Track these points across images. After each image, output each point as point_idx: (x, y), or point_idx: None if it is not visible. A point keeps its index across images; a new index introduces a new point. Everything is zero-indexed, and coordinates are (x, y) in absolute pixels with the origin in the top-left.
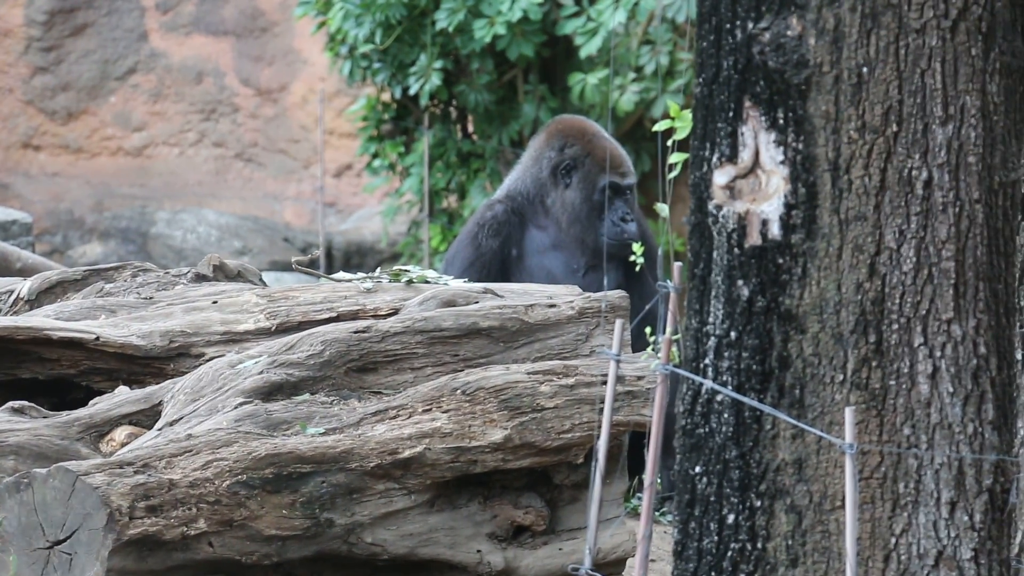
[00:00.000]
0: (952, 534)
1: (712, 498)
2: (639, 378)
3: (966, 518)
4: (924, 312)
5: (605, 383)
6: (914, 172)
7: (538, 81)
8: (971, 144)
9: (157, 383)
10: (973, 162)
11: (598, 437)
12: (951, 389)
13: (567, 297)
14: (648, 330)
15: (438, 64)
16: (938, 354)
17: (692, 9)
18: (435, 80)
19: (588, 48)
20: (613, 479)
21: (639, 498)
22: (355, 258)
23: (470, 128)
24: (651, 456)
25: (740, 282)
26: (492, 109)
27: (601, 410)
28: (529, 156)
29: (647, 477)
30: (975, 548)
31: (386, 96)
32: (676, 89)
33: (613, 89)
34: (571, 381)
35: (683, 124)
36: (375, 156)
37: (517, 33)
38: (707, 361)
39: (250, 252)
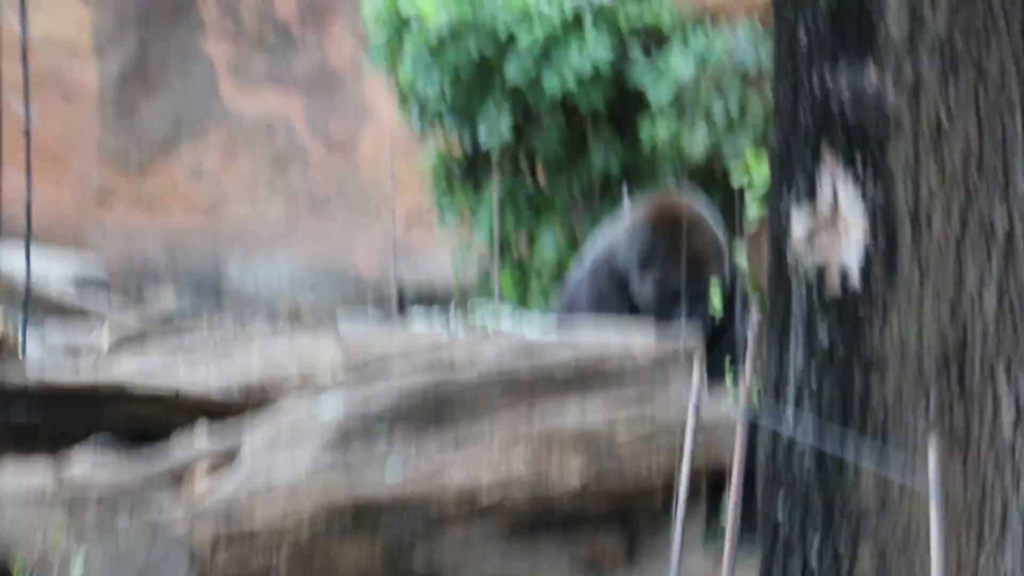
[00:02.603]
0: None
1: (795, 541)
2: (717, 423)
3: None
4: (1006, 355)
5: (682, 428)
6: (995, 219)
7: (608, 131)
8: None
9: (234, 431)
10: None
11: (679, 482)
12: None
13: (642, 344)
14: (728, 377)
15: (507, 117)
16: (1022, 398)
17: (762, 57)
18: (504, 132)
19: (658, 98)
20: (693, 520)
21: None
22: (426, 305)
23: (539, 177)
24: (732, 501)
25: (820, 331)
26: (562, 159)
27: (680, 455)
28: (624, 229)
29: (728, 523)
30: None
31: (455, 147)
32: (748, 136)
33: (683, 137)
34: (648, 429)
35: (759, 175)
36: (445, 206)
37: (588, 83)
38: (787, 407)
39: (323, 301)
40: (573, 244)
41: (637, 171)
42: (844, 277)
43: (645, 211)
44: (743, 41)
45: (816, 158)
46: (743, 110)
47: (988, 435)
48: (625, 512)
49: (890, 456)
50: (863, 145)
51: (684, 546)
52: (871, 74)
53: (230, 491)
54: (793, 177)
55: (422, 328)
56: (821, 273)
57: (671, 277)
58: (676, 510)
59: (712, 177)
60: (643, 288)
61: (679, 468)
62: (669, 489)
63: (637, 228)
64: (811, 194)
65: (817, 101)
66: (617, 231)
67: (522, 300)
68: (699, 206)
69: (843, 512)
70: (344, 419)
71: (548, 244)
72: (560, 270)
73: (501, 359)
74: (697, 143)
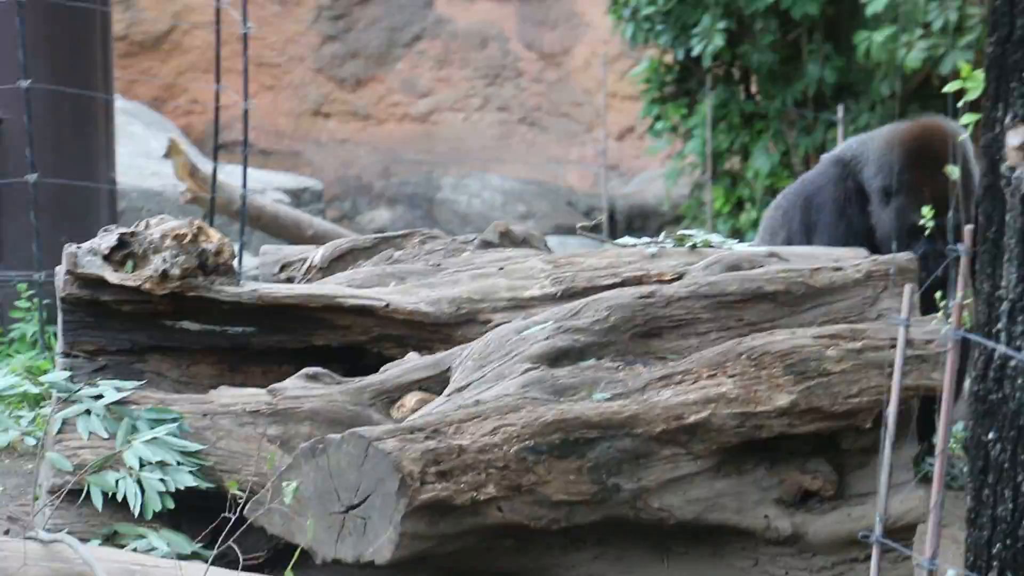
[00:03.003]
0: None
1: (1006, 465)
2: (928, 342)
3: None
4: None
5: (893, 347)
6: None
7: (823, 40)
8: None
9: (445, 349)
10: None
11: (887, 402)
12: None
13: (854, 260)
14: (939, 294)
15: (721, 25)
16: None
17: None
18: (718, 41)
19: (874, 5)
20: (902, 444)
21: (929, 463)
22: (637, 221)
23: (753, 89)
24: (943, 421)
25: None
26: (776, 69)
27: (890, 374)
28: (875, 149)
29: (939, 443)
30: None
31: (669, 58)
32: (965, 45)
33: (900, 47)
34: (858, 345)
35: (974, 84)
36: (658, 119)
37: None
38: (1000, 326)
39: (534, 216)
40: (786, 158)
41: (852, 83)
42: None
43: (902, 134)
44: None
45: None
46: (961, 19)
47: None
48: (834, 435)
49: None
50: None
51: (895, 469)
52: None
53: (440, 409)
54: (1008, 87)
55: (631, 243)
56: None
57: (916, 209)
58: (885, 431)
59: (929, 89)
60: (883, 215)
61: (888, 387)
62: (878, 408)
63: (890, 150)
64: None
65: None
66: (867, 146)
67: (733, 215)
68: (959, 137)
69: None
70: (553, 335)
71: (761, 156)
72: (773, 184)
73: (710, 273)
74: (913, 53)
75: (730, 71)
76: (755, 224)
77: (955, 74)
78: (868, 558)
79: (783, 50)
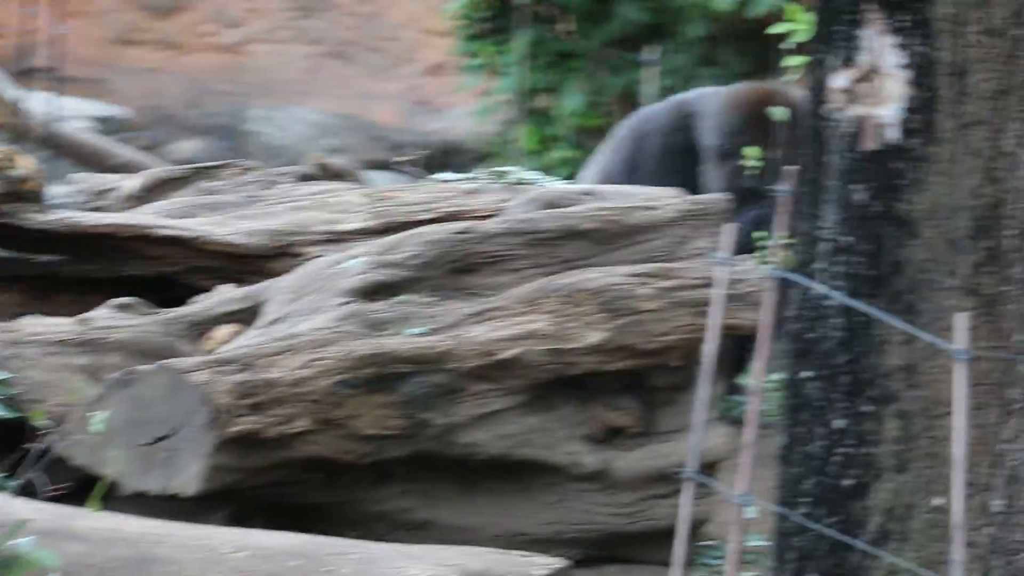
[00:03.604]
0: None
1: (820, 403)
2: (738, 281)
3: None
4: None
5: (705, 286)
6: None
7: None
8: None
9: (259, 282)
10: None
11: (704, 340)
12: None
13: (669, 199)
14: (757, 235)
15: None
16: None
17: None
18: None
19: None
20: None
21: (734, 403)
22: (447, 158)
23: (567, 28)
24: (759, 360)
25: (855, 186)
26: (590, 9)
27: (701, 313)
28: (714, 109)
29: (753, 381)
30: None
31: None
32: None
33: None
34: (670, 284)
35: (801, 27)
36: (470, 55)
37: None
38: (819, 266)
39: (344, 151)
40: (597, 98)
41: (664, 24)
42: (881, 131)
43: (742, 97)
44: None
45: (858, 10)
46: None
47: (1018, 298)
48: (643, 373)
49: (920, 317)
50: None
51: (698, 411)
52: None
53: (252, 341)
54: (834, 29)
55: (449, 178)
56: (858, 126)
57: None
58: (702, 368)
59: (741, 29)
60: (715, 175)
61: (702, 326)
62: (690, 347)
63: (728, 112)
64: (851, 46)
65: None
66: (708, 103)
67: (542, 153)
68: (797, 101)
69: (869, 374)
70: (369, 269)
71: (571, 97)
72: (582, 124)
73: (526, 210)
74: None
75: (545, 10)
76: (564, 163)
77: (767, 16)
78: (671, 495)
79: None
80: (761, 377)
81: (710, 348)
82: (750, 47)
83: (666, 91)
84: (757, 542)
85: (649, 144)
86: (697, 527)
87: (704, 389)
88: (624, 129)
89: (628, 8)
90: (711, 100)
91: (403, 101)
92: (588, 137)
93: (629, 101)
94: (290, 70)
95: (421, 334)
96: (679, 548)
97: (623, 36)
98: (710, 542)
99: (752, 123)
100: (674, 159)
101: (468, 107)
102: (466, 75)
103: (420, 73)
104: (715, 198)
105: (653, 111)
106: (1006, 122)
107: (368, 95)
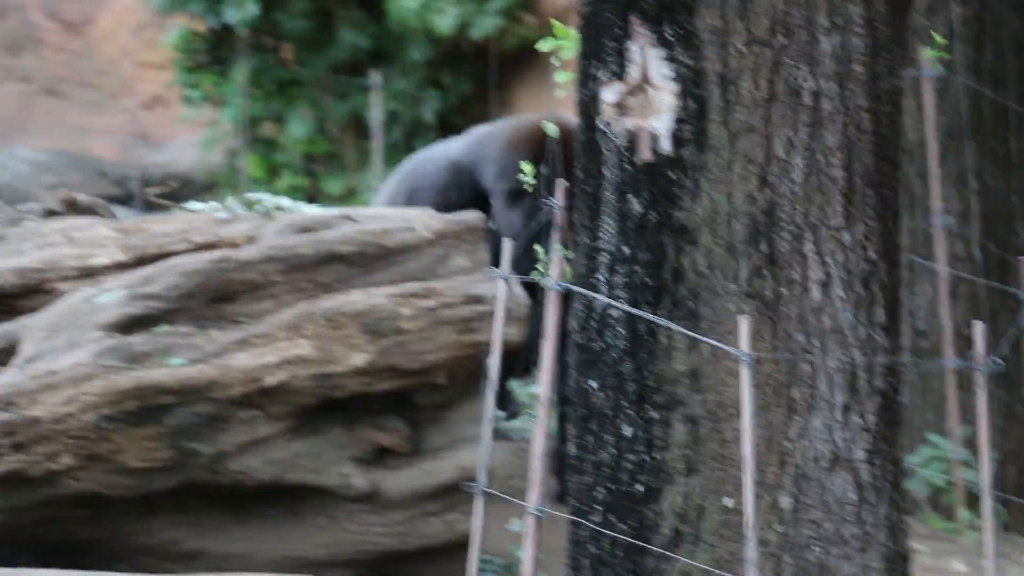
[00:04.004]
0: (846, 436)
1: (608, 412)
2: (512, 299)
3: (859, 420)
4: (815, 220)
5: (466, 304)
6: (802, 82)
7: (356, 6)
8: (857, 53)
9: (10, 320)
10: (860, 71)
11: (466, 357)
12: (843, 295)
13: (425, 220)
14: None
15: None
16: (829, 261)
17: None
18: (252, 9)
19: None
20: (474, 399)
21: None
22: (176, 189)
23: (288, 57)
24: (546, 370)
25: (632, 197)
26: (310, 36)
27: (463, 331)
28: (495, 152)
29: (541, 391)
30: (868, 449)
31: (201, 26)
32: (494, 12)
33: (431, 13)
34: (432, 303)
35: (568, 43)
36: (191, 87)
37: None
38: (600, 276)
39: (65, 187)
40: (322, 124)
41: (386, 49)
42: (655, 143)
43: (521, 135)
44: None
45: (625, 24)
46: None
47: (797, 299)
48: (409, 393)
49: (701, 323)
50: (671, 11)
51: (466, 422)
52: None
53: (10, 380)
54: (602, 45)
55: (201, 208)
56: (632, 139)
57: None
58: (487, 387)
59: (461, 52)
60: (511, 215)
61: (465, 343)
62: (454, 365)
63: (513, 152)
64: (620, 60)
65: None
66: (486, 148)
67: (269, 181)
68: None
69: (655, 380)
70: (126, 303)
71: (297, 124)
72: (309, 150)
73: (282, 236)
74: (445, 19)
75: (264, 39)
76: (292, 190)
77: (487, 38)
78: (441, 512)
79: (317, 17)
80: (551, 388)
81: (494, 362)
82: (472, 69)
83: (392, 114)
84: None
85: (421, 202)
86: (463, 543)
87: (490, 403)
88: (393, 186)
89: (349, 34)
90: (490, 145)
91: (123, 135)
92: (316, 163)
93: (356, 126)
94: (2, 108)
95: (183, 364)
96: (472, 559)
97: (346, 62)
98: (485, 556)
99: (536, 158)
100: (466, 196)
101: (191, 138)
102: (187, 107)
103: (138, 107)
104: (471, 216)
105: (423, 168)
106: (776, 128)
107: (85, 131)
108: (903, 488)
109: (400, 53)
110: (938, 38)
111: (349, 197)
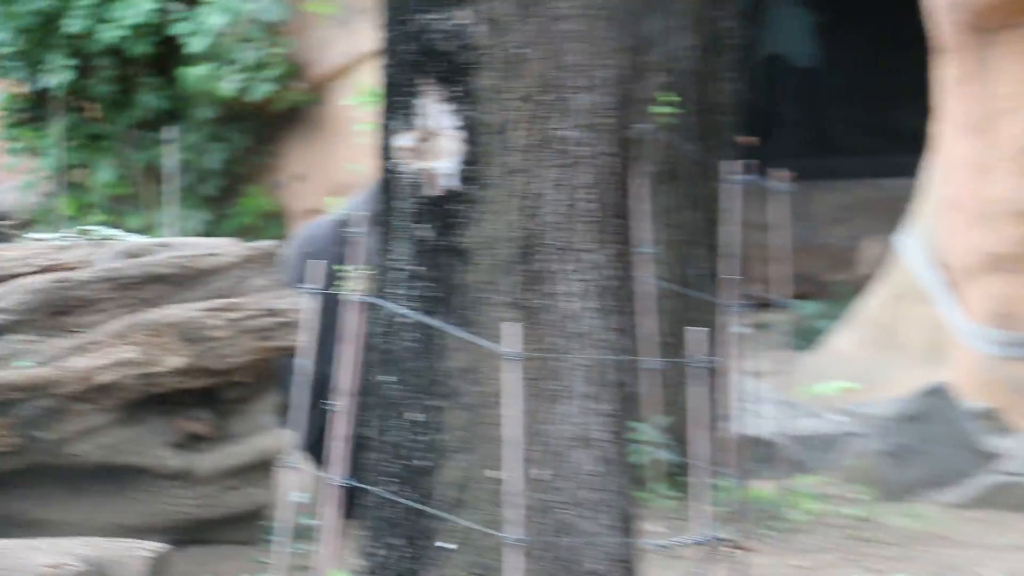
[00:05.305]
0: (592, 421)
1: (398, 401)
2: (292, 310)
3: (603, 407)
4: (572, 244)
5: (265, 316)
6: (562, 132)
7: (154, 73)
8: (607, 108)
9: None
10: (609, 122)
11: (264, 359)
12: (592, 305)
13: (229, 246)
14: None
15: (69, 62)
16: (582, 278)
17: (282, 11)
18: (67, 76)
19: (195, 46)
20: (268, 393)
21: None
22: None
23: (98, 114)
24: (348, 372)
25: (421, 225)
26: (116, 98)
27: (261, 337)
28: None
29: (341, 383)
30: (610, 430)
31: (24, 89)
32: (271, 78)
33: (216, 79)
34: (237, 316)
35: (369, 99)
36: (13, 140)
37: (136, 34)
38: (394, 290)
39: None
40: (126, 171)
41: (179, 109)
42: (441, 180)
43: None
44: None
45: (416, 82)
46: (266, 57)
47: (557, 307)
48: (218, 389)
49: (477, 328)
50: (456, 73)
51: (262, 413)
52: (459, 14)
53: None
54: (397, 99)
55: (40, 237)
56: (421, 177)
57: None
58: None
59: (242, 112)
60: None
61: (263, 348)
62: (254, 366)
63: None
64: (412, 113)
65: (417, 38)
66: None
67: (81, 219)
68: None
69: (439, 376)
70: None
71: (104, 171)
72: (115, 192)
73: (113, 260)
74: (227, 84)
75: (77, 100)
76: (99, 225)
77: (264, 100)
78: (241, 486)
79: (122, 82)
80: (357, 383)
81: (304, 365)
82: (250, 125)
83: (184, 162)
84: (311, 521)
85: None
86: (260, 512)
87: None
88: (289, 253)
89: (148, 96)
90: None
91: None
92: (119, 203)
93: (153, 172)
94: None
95: (30, 366)
96: (282, 526)
97: (145, 119)
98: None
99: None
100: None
101: (13, 183)
102: (10, 157)
103: None
104: (267, 244)
105: (314, 233)
106: (541, 169)
107: None
108: (632, 463)
109: (190, 112)
110: (665, 97)
111: (147, 231)
